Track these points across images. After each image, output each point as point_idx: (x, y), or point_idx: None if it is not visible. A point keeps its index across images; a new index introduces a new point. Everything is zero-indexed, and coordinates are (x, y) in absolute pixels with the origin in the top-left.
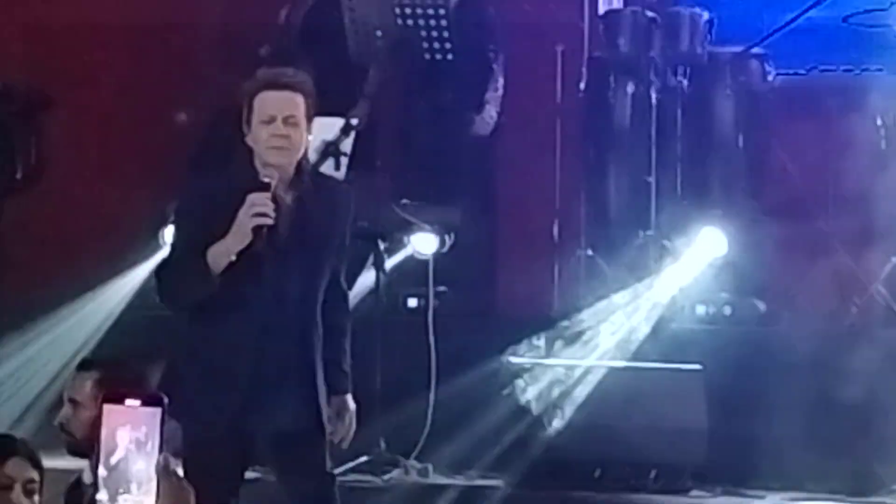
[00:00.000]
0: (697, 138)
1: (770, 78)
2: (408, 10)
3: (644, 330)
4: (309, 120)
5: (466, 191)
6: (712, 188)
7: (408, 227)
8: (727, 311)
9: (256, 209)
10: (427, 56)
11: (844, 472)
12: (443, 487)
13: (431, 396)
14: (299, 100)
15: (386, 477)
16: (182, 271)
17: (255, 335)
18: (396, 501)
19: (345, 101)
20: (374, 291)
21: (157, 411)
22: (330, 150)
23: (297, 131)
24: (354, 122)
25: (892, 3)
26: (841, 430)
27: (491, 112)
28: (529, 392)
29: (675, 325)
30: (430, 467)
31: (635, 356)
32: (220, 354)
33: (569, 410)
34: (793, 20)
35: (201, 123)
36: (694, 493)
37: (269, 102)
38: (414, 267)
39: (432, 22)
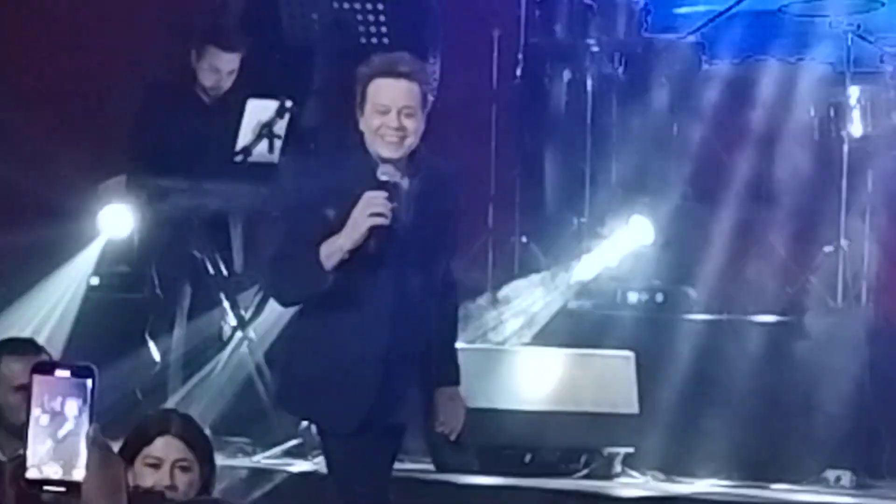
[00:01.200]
0: (632, 126)
1: (704, 66)
2: None
3: (576, 316)
4: (424, 109)
5: None
6: (646, 176)
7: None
8: (659, 298)
9: (373, 209)
10: (363, 40)
11: (773, 459)
12: None
13: None
14: (416, 90)
15: (317, 460)
16: (294, 266)
17: (380, 329)
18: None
19: (280, 84)
20: None
21: (88, 382)
22: (264, 132)
23: (412, 122)
24: (289, 104)
25: None
26: (770, 418)
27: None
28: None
29: (607, 311)
30: None
31: (567, 342)
32: (343, 351)
33: (499, 396)
34: (728, 9)
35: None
36: (624, 478)
37: (384, 92)
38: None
39: (368, 5)
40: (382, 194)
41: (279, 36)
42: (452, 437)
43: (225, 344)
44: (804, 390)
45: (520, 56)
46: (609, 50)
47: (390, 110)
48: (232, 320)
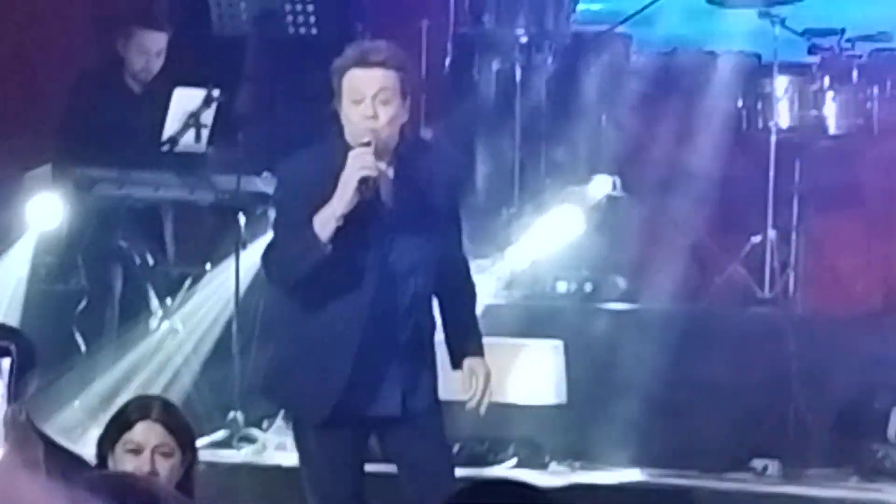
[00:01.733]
0: (561, 116)
1: (633, 57)
2: None
3: (505, 306)
4: (405, 95)
5: None
6: (576, 166)
7: (269, 201)
8: (588, 288)
9: (360, 162)
10: (291, 30)
11: (700, 448)
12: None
13: None
14: (391, 76)
15: (243, 451)
16: (288, 246)
17: (361, 310)
18: (254, 475)
19: (208, 73)
20: (235, 265)
21: (4, 362)
22: (191, 121)
23: (388, 108)
24: (216, 93)
25: None
26: (699, 407)
27: None
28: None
29: (537, 301)
30: (288, 442)
31: (497, 332)
32: (322, 334)
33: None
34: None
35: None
36: (552, 468)
37: (357, 81)
38: None
39: None
40: (368, 149)
41: (207, 25)
42: (482, 411)
43: (152, 335)
44: (732, 380)
45: (449, 47)
46: (538, 41)
47: (365, 98)
48: (159, 311)
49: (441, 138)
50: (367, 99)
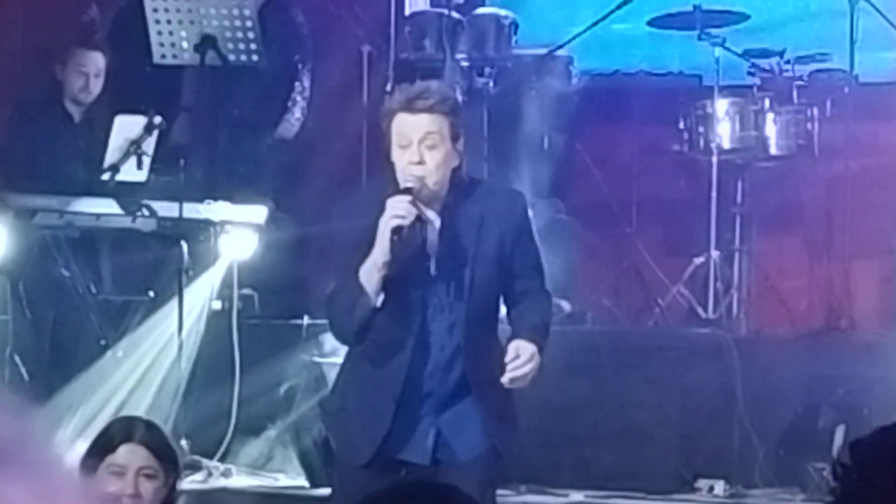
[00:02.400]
0: (503, 140)
1: (574, 80)
2: (213, 10)
3: None
4: (454, 139)
5: (273, 192)
6: (517, 189)
7: (212, 229)
8: None
9: (393, 211)
10: (232, 57)
11: (646, 469)
12: (245, 490)
13: (235, 397)
14: (439, 120)
15: (189, 479)
16: (340, 298)
17: (402, 363)
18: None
19: (148, 100)
20: (178, 293)
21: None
22: (132, 149)
23: (435, 154)
24: (157, 120)
25: (695, 7)
26: (643, 429)
27: (296, 114)
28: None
29: None
30: (234, 468)
31: None
32: (370, 379)
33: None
34: (596, 23)
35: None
36: (499, 492)
37: (404, 126)
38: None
39: (237, 23)
40: (405, 198)
41: (148, 53)
42: (520, 383)
43: (95, 363)
44: (676, 400)
45: (390, 72)
46: (479, 65)
47: (412, 143)
48: (102, 340)
49: (497, 179)
50: (414, 144)
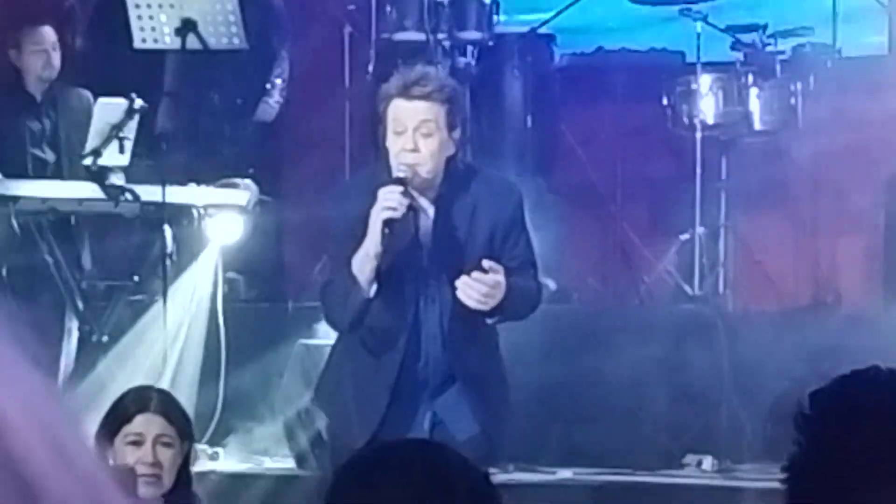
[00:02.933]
0: (486, 119)
1: (557, 58)
2: None
3: None
4: (450, 128)
5: (256, 175)
6: (501, 168)
7: (196, 212)
8: None
9: (385, 202)
10: (213, 41)
11: (634, 445)
12: (234, 472)
13: (222, 381)
14: (435, 109)
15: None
16: (334, 288)
17: (397, 352)
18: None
19: (129, 84)
20: (162, 277)
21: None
22: (113, 133)
23: (430, 142)
24: (139, 104)
25: None
26: (631, 405)
27: (275, 97)
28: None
29: None
30: (221, 451)
31: None
32: (365, 365)
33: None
34: (577, 0)
35: None
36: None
37: (400, 112)
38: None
39: (218, 6)
40: (396, 188)
41: (129, 36)
42: (470, 297)
43: (79, 349)
44: (663, 377)
45: (371, 52)
46: (461, 44)
47: (407, 129)
48: (83, 324)
49: (492, 168)
50: (409, 131)
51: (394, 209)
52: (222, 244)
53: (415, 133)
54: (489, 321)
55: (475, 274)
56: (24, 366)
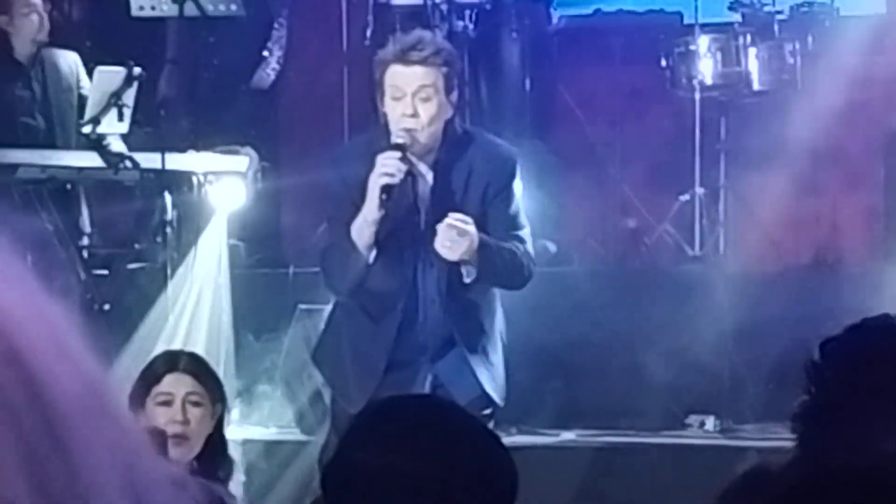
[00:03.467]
0: (485, 82)
1: (554, 20)
2: None
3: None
4: (448, 91)
5: (255, 142)
6: (501, 132)
7: (195, 179)
8: None
9: (383, 168)
10: (210, 8)
11: (636, 406)
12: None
13: (224, 347)
14: (433, 73)
15: None
16: (333, 254)
17: (395, 315)
18: None
19: (127, 52)
20: (163, 244)
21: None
22: (112, 101)
23: (429, 106)
24: (137, 72)
25: None
26: (632, 366)
27: (271, 63)
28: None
29: None
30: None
31: None
32: (363, 328)
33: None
34: None
35: None
36: None
37: (398, 78)
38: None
39: None
40: (394, 154)
41: (126, 4)
42: (442, 245)
43: (83, 316)
44: (665, 338)
45: (369, 18)
46: (458, 7)
47: (405, 95)
48: (87, 293)
49: (486, 131)
50: (408, 97)
51: (392, 175)
52: (224, 211)
53: (413, 98)
54: (466, 280)
55: (441, 224)
56: (24, 269)
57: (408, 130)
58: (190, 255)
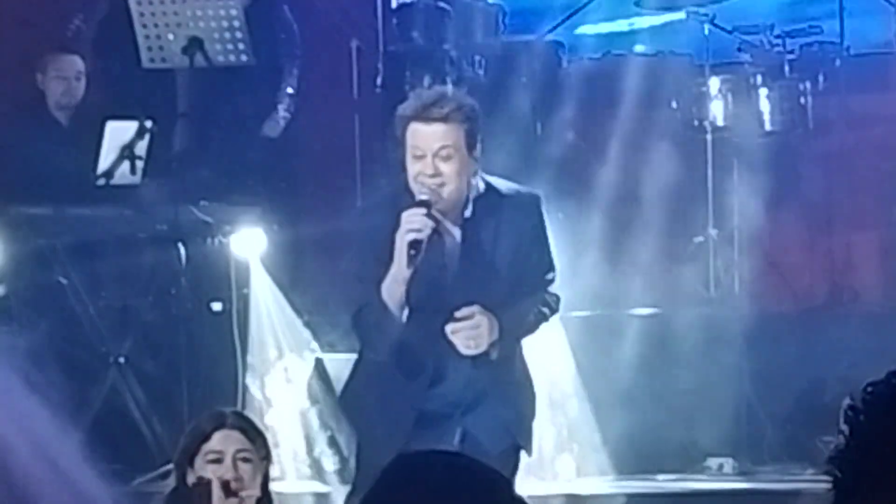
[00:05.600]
0: (496, 127)
1: (565, 64)
2: (199, 12)
3: None
4: (470, 148)
5: (268, 191)
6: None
7: (209, 230)
8: None
9: (409, 225)
10: (220, 58)
11: (655, 450)
12: None
13: (240, 399)
14: (454, 130)
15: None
16: (367, 315)
17: (426, 371)
18: None
19: (139, 104)
20: (177, 295)
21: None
22: (125, 153)
23: (450, 166)
24: (149, 124)
25: None
26: (651, 410)
27: (281, 112)
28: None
29: None
30: None
31: None
32: (391, 386)
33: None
34: (583, 6)
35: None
36: None
37: (418, 137)
38: (217, 270)
39: (224, 23)
40: (420, 211)
41: (136, 57)
42: (455, 334)
43: (99, 370)
44: (683, 381)
45: (379, 65)
46: (468, 53)
47: (426, 155)
48: (102, 346)
49: (516, 184)
50: (428, 156)
51: (419, 230)
52: (237, 260)
53: (434, 158)
54: (493, 357)
55: (451, 326)
56: (19, 389)
57: (430, 189)
58: (197, 305)
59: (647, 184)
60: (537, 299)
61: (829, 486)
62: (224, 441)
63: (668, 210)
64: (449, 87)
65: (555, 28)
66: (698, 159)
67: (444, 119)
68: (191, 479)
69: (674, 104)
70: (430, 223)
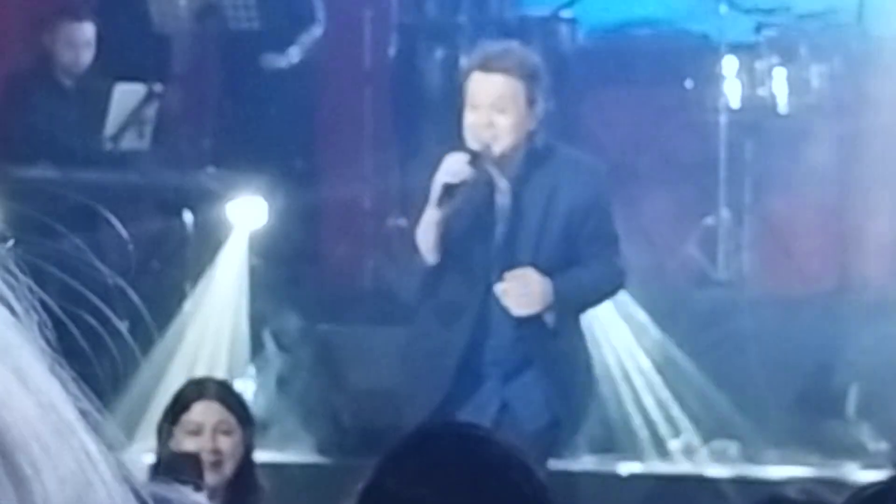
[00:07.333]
0: None
1: (580, 41)
2: None
3: None
4: (531, 103)
5: (276, 160)
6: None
7: (216, 197)
8: None
9: (445, 167)
10: (231, 25)
11: (660, 432)
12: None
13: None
14: (513, 84)
15: None
16: (394, 261)
17: (463, 329)
18: None
19: (148, 69)
20: (181, 265)
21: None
22: (133, 118)
23: (506, 118)
24: (158, 88)
25: None
26: (656, 391)
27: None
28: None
29: None
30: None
31: None
32: (431, 340)
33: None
34: None
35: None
36: None
37: (477, 86)
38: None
39: None
40: (462, 157)
41: (147, 20)
42: (509, 299)
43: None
44: (689, 363)
45: (392, 36)
46: (482, 27)
47: (482, 105)
48: (105, 311)
49: (576, 149)
50: (484, 107)
51: (453, 175)
52: (244, 229)
53: (490, 109)
54: (548, 322)
55: (502, 285)
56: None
57: (482, 140)
58: (208, 274)
59: (658, 163)
60: (595, 270)
61: None
62: (204, 413)
63: (678, 190)
64: (516, 43)
65: (571, 4)
66: (711, 140)
67: (504, 71)
68: (172, 448)
69: (688, 84)
70: (471, 171)
